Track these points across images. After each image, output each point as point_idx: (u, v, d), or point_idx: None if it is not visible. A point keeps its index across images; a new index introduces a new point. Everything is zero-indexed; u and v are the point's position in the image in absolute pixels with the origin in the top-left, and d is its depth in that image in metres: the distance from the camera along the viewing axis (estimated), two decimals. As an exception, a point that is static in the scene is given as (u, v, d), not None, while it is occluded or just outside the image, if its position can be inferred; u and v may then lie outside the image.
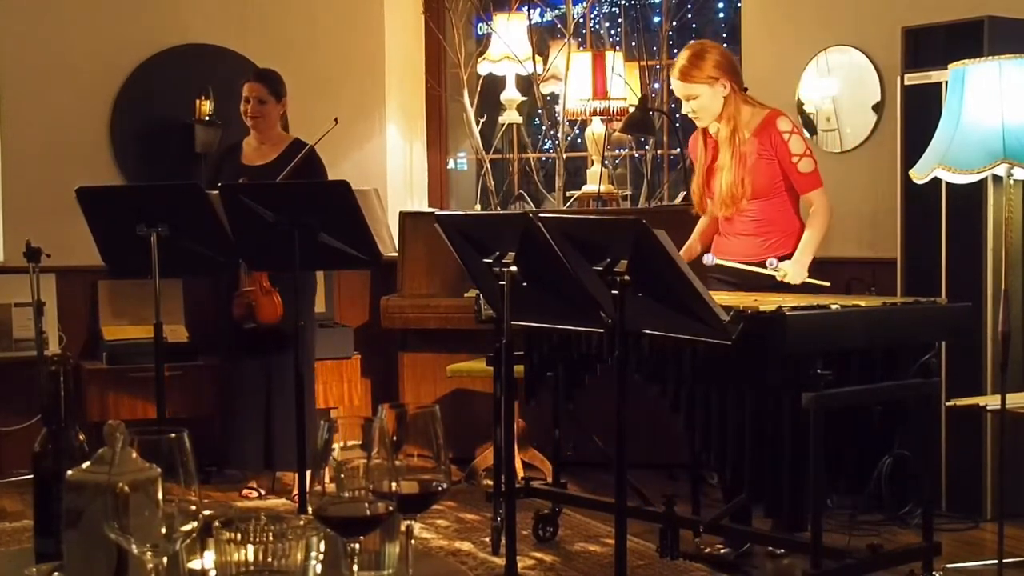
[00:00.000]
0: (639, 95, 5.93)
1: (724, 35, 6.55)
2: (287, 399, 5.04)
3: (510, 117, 6.28)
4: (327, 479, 1.48)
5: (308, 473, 2.42)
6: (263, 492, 5.27)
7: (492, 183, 6.43)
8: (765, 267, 4.06)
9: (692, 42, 4.32)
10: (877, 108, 5.40)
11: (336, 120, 4.96)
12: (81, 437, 1.77)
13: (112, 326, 5.73)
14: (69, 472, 1.58)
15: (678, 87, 4.19)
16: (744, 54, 5.71)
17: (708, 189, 4.28)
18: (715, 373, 3.60)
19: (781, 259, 4.13)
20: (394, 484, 1.49)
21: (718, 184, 4.18)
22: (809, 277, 4.11)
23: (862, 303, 3.63)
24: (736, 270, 4.14)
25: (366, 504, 1.48)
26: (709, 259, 4.14)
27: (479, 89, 6.40)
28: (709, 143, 4.29)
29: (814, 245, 4.14)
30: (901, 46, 4.88)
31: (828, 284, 4.13)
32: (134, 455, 1.44)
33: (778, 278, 4.07)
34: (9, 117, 5.83)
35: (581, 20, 6.42)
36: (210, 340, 5.71)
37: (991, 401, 3.95)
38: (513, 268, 3.45)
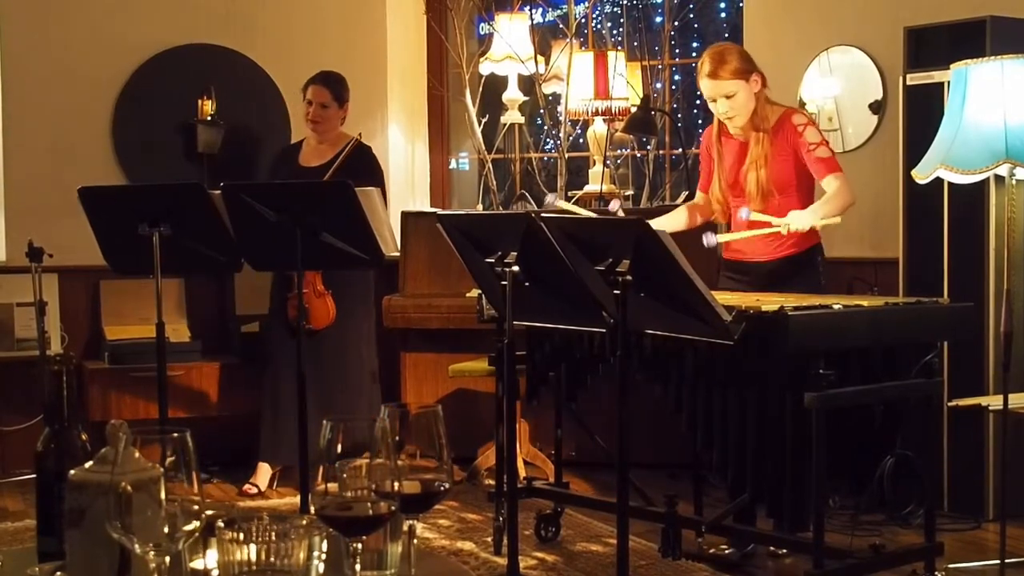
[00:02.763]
0: (641, 95, 5.93)
1: (726, 35, 6.55)
2: (339, 398, 5.07)
3: (512, 117, 6.28)
4: (329, 479, 1.48)
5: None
6: (261, 488, 5.28)
7: (494, 183, 6.43)
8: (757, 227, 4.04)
9: (711, 46, 4.30)
10: (879, 108, 5.40)
11: (360, 135, 5.15)
12: (84, 437, 1.77)
13: (114, 326, 5.73)
14: (72, 472, 1.58)
15: (711, 87, 4.14)
16: (746, 54, 5.70)
17: (732, 189, 4.26)
18: (717, 373, 3.61)
19: (791, 255, 4.15)
20: (396, 484, 1.49)
21: (752, 181, 4.16)
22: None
23: (864, 303, 3.63)
24: (742, 239, 4.11)
25: (369, 504, 1.49)
26: (710, 240, 4.01)
27: (481, 89, 6.40)
28: (726, 142, 4.28)
29: (830, 206, 4.01)
30: (903, 46, 4.88)
31: (838, 219, 4.05)
32: (136, 454, 1.44)
33: (783, 232, 4.01)
34: (12, 116, 5.83)
35: (583, 20, 6.42)
36: (212, 340, 5.72)
37: (993, 401, 3.95)
38: (515, 268, 3.45)
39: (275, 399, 5.27)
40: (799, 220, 3.98)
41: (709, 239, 4.00)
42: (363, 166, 5.14)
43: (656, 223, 3.93)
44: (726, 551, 4.18)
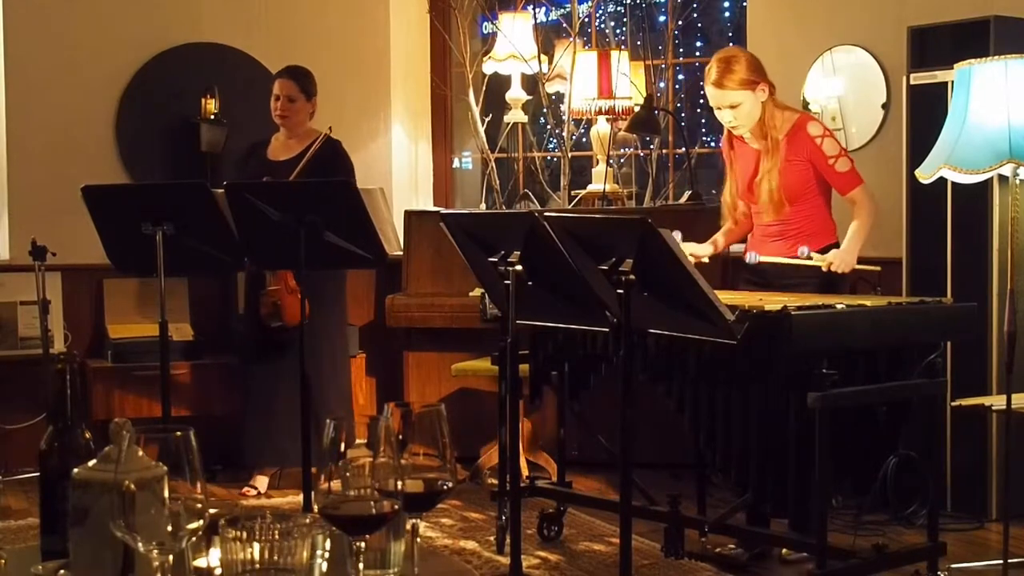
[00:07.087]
0: (644, 94, 5.93)
1: (729, 34, 6.55)
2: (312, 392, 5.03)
3: (515, 116, 6.28)
4: (333, 478, 1.48)
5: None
6: (261, 490, 5.28)
7: (497, 182, 6.42)
8: (801, 259, 4.08)
9: (720, 51, 4.29)
10: (883, 108, 5.40)
11: (330, 129, 5.12)
12: (87, 435, 1.77)
13: (117, 324, 5.73)
14: (75, 470, 1.59)
15: (717, 96, 4.13)
16: (750, 53, 5.70)
17: (745, 196, 4.27)
18: (720, 372, 3.60)
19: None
20: (399, 483, 1.49)
21: (764, 192, 4.18)
22: (858, 264, 4.12)
23: (867, 303, 3.62)
24: (781, 265, 4.14)
25: (372, 503, 1.49)
26: (752, 257, 4.15)
27: (484, 88, 6.40)
28: (739, 148, 4.29)
29: (862, 235, 4.13)
30: (907, 46, 4.87)
31: (879, 268, 4.13)
32: (140, 453, 1.44)
33: (823, 268, 4.06)
34: (15, 115, 5.83)
35: (586, 19, 6.42)
36: (215, 339, 5.72)
37: (996, 401, 3.95)
38: (518, 267, 3.45)
39: (247, 399, 5.28)
40: (840, 263, 4.05)
41: (751, 257, 4.14)
42: (333, 162, 5.12)
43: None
44: (733, 550, 4.17)
